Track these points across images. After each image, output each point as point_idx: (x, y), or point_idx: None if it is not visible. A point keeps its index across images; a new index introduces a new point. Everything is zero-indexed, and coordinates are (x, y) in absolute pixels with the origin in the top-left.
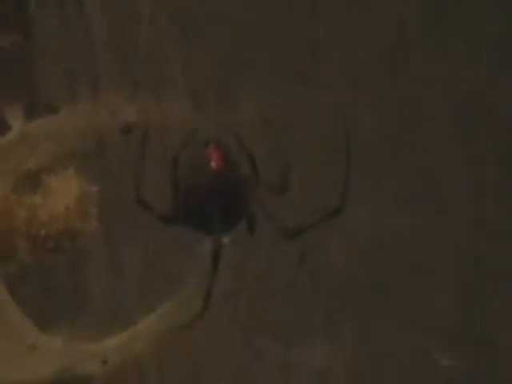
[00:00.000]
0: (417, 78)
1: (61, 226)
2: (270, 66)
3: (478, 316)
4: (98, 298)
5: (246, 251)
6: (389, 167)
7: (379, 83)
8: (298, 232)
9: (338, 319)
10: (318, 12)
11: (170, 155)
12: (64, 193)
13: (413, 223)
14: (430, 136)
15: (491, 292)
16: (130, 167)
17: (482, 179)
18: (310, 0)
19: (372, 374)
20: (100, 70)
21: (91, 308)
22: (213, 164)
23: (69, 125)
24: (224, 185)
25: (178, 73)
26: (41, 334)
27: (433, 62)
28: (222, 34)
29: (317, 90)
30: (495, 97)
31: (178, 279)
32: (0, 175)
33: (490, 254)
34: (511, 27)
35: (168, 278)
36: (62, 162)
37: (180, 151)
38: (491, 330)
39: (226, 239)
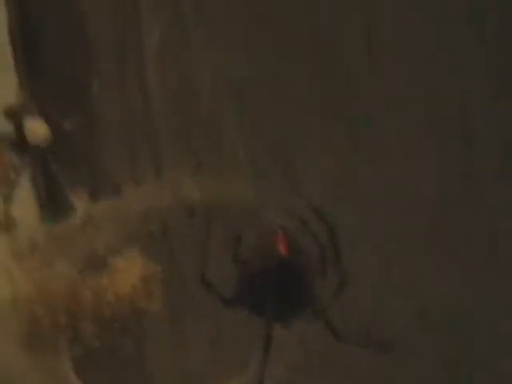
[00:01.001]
0: None
1: (127, 306)
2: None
3: None
4: (163, 377)
5: None
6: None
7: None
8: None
9: None
10: (377, 87)
11: (232, 236)
12: (129, 273)
13: None
14: None
15: None
16: (194, 247)
17: None
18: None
19: None
20: (161, 147)
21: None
22: (281, 251)
23: (132, 206)
24: (289, 273)
25: (239, 148)
26: None
27: None
28: (282, 104)
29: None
30: None
31: (243, 361)
32: (66, 257)
33: None
34: None
35: (233, 359)
36: (127, 243)
37: (242, 233)
38: None
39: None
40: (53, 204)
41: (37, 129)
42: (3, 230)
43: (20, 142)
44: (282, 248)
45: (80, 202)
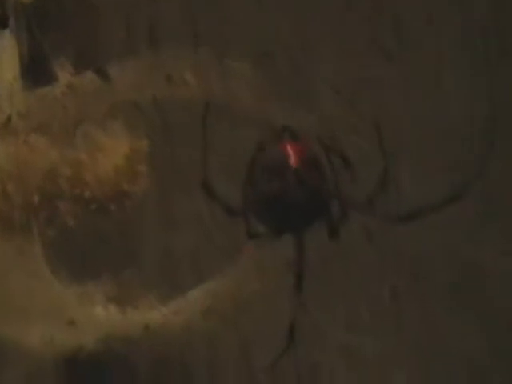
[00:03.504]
0: None
1: (108, 188)
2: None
3: None
4: (148, 255)
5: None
6: None
7: None
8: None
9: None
10: None
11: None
12: (113, 151)
13: None
14: None
15: None
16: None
17: None
18: None
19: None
20: (159, 17)
21: (140, 264)
22: (291, 161)
23: (121, 79)
24: (301, 184)
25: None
26: (79, 306)
27: None
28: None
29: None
30: None
31: (233, 252)
32: (44, 130)
33: None
34: None
35: (223, 249)
36: (112, 117)
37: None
38: None
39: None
40: (35, 72)
41: None
42: None
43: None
44: (292, 158)
45: (63, 73)
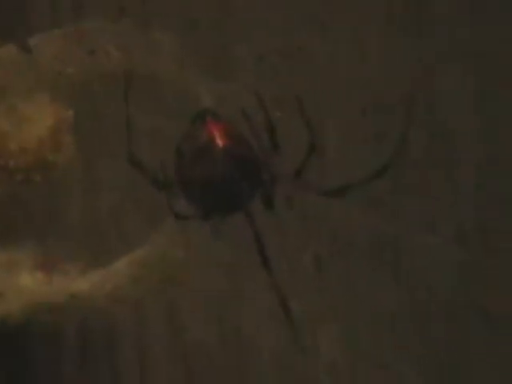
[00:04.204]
0: None
1: (32, 159)
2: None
3: None
4: (74, 223)
5: None
6: None
7: None
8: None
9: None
10: None
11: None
12: (37, 122)
13: None
14: None
15: None
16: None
17: None
18: None
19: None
20: None
21: (66, 231)
22: (218, 142)
23: (46, 50)
24: (234, 164)
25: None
26: (5, 275)
27: None
28: None
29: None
30: None
31: (160, 219)
32: None
33: None
34: None
35: (150, 216)
36: (38, 88)
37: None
38: None
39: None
40: None
41: None
42: None
43: None
44: (219, 138)
45: None
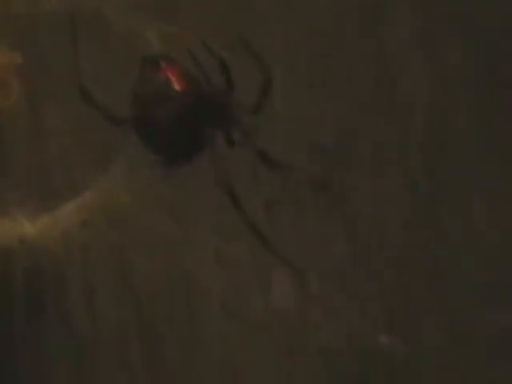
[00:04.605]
0: None
1: None
2: None
3: None
4: (21, 167)
5: None
6: None
7: None
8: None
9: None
10: None
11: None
12: None
13: None
14: None
15: None
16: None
17: None
18: None
19: None
20: None
21: (14, 175)
22: (175, 86)
23: None
24: (194, 104)
25: None
26: None
27: None
28: None
29: None
30: None
31: (106, 161)
32: None
33: None
34: None
35: (96, 159)
36: None
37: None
38: None
39: None
40: None
41: None
42: None
43: None
44: (176, 83)
45: None
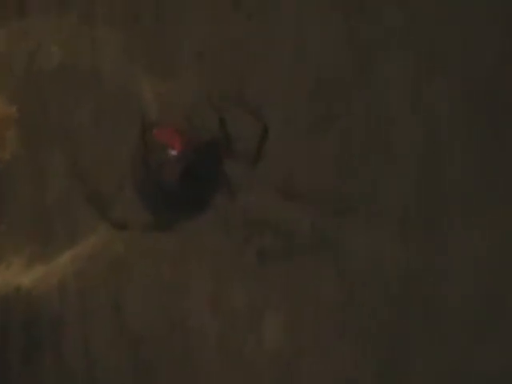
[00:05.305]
0: None
1: None
2: None
3: None
4: (19, 214)
5: None
6: None
7: None
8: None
9: None
10: None
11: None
12: None
13: None
14: None
15: None
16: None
17: None
18: None
19: None
20: None
21: (12, 223)
22: (171, 152)
23: None
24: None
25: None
26: None
27: None
28: None
29: None
30: None
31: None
32: None
33: None
34: None
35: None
36: None
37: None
38: None
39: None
40: None
41: None
42: None
43: None
44: (175, 147)
45: None
